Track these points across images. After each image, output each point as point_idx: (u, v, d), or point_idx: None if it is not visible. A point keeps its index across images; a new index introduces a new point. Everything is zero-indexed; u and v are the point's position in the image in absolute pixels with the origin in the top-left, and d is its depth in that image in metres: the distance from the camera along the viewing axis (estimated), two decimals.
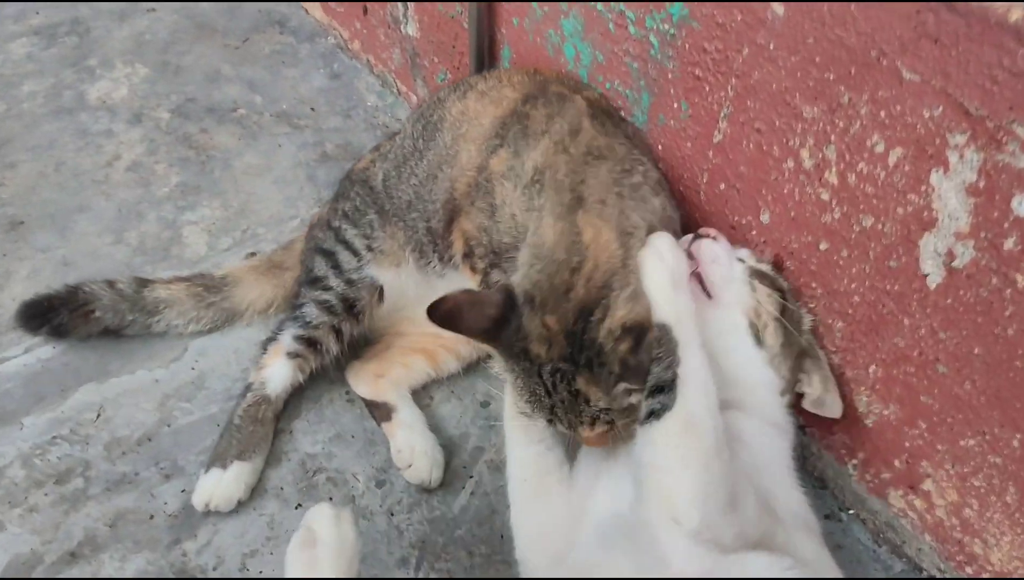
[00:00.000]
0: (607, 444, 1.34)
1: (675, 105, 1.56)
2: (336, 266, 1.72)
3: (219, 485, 1.55)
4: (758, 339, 1.36)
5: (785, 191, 1.40)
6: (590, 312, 1.22)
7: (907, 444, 1.41)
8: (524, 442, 1.51)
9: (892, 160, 1.22)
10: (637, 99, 1.64)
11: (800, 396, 1.44)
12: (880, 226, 1.27)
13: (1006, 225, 1.11)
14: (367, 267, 1.71)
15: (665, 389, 1.17)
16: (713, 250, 1.39)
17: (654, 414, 1.17)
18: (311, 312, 1.69)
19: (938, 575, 1.47)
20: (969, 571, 1.40)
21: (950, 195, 1.16)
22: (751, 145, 1.43)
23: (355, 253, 1.73)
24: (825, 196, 1.34)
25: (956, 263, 1.19)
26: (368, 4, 2.47)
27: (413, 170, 1.71)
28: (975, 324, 1.21)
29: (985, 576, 1.38)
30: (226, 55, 2.70)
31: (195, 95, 2.53)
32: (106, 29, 2.77)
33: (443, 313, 1.26)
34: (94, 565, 1.47)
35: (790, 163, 1.37)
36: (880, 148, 1.23)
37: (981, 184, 1.12)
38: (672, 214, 1.48)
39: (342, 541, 1.19)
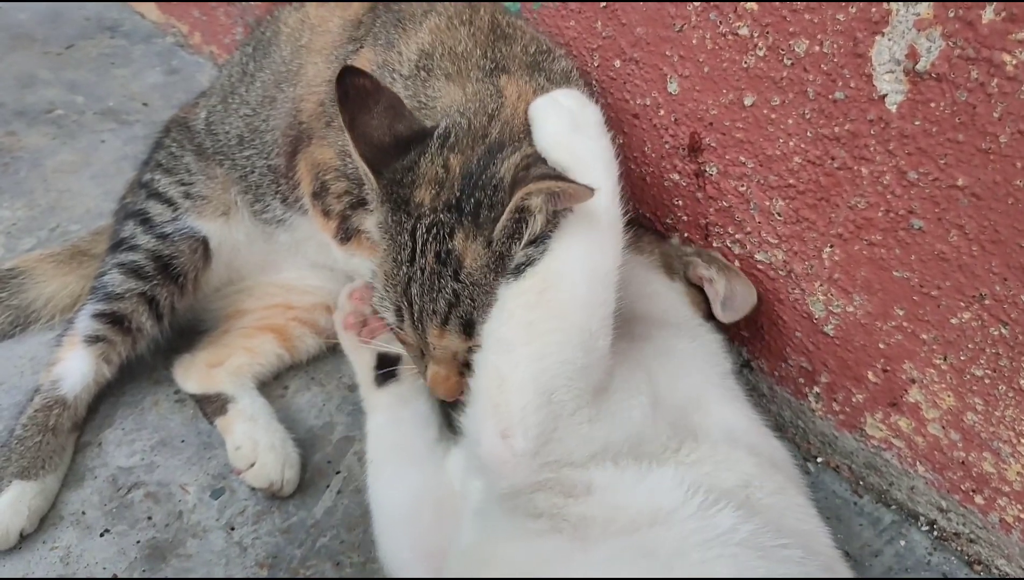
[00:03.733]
0: (456, 391, 1.02)
1: None
2: (146, 222, 1.35)
3: None
4: None
5: (694, 42, 1.12)
6: (500, 150, 0.99)
7: (882, 345, 1.10)
8: (379, 409, 1.24)
9: None
10: None
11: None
12: (818, 48, 1.00)
13: None
14: (185, 217, 1.34)
15: (538, 241, 0.93)
16: None
17: (516, 271, 0.92)
18: (113, 279, 1.31)
19: (939, 516, 1.15)
20: (980, 500, 1.09)
21: None
22: None
23: (169, 203, 1.36)
24: (744, 30, 1.06)
25: (921, 65, 0.91)
26: None
27: (244, 98, 1.38)
28: (955, 146, 0.93)
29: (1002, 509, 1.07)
30: (45, 61, 2.33)
31: (3, 100, 2.15)
32: None
33: (356, 86, 0.99)
34: None
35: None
36: None
37: None
38: None
39: None
